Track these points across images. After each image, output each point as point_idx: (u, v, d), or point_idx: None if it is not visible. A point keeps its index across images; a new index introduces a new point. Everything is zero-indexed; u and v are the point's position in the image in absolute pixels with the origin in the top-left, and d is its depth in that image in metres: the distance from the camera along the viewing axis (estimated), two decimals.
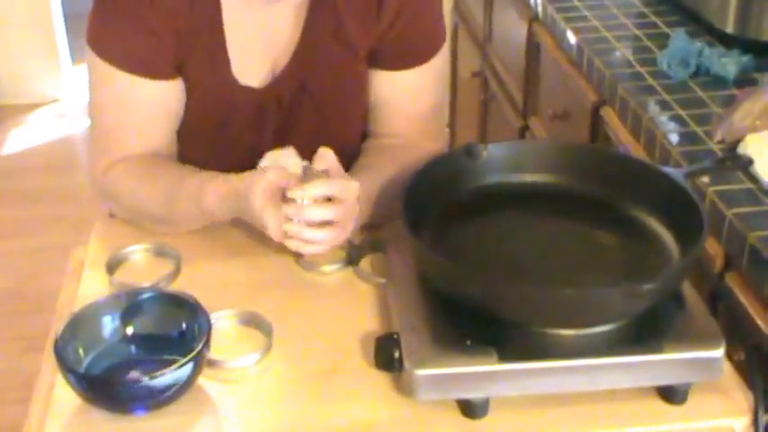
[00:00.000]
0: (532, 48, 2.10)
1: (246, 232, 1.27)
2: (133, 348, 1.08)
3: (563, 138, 1.90)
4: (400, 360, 1.00)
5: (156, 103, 1.32)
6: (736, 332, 1.13)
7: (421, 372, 0.99)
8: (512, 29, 2.26)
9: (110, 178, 1.33)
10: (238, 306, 1.15)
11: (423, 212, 1.14)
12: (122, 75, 1.29)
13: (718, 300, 1.21)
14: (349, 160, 1.40)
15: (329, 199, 1.16)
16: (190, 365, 0.99)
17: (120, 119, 1.33)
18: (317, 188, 1.14)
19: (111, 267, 1.23)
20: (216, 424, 1.02)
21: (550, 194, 1.22)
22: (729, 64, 1.58)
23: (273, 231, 1.15)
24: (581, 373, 1.01)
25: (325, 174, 1.16)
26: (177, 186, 1.26)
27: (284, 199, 1.15)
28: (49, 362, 1.08)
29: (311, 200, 1.14)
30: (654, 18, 1.86)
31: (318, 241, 1.16)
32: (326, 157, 1.18)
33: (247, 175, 1.18)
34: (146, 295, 1.10)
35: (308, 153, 1.41)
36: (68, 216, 3.12)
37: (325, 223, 1.15)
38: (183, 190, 1.25)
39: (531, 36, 2.10)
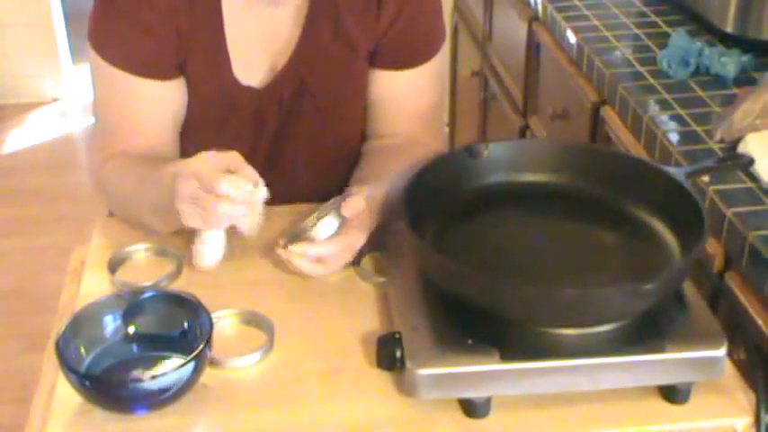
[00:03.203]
0: (532, 47, 2.10)
1: None
2: (135, 348, 1.08)
3: (563, 137, 1.90)
4: (402, 359, 1.00)
5: (158, 102, 1.32)
6: (736, 332, 1.13)
7: (423, 371, 0.99)
8: (512, 29, 2.26)
9: (105, 170, 1.34)
10: (239, 305, 1.15)
11: (423, 212, 1.14)
12: (123, 75, 1.29)
13: (718, 299, 1.21)
14: (349, 160, 1.40)
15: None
16: (191, 365, 0.99)
17: (122, 117, 1.33)
18: (323, 248, 1.17)
19: (113, 267, 1.23)
20: (217, 423, 1.02)
21: (551, 194, 1.22)
22: (729, 63, 1.58)
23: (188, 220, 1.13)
24: (583, 372, 1.00)
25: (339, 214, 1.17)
26: (154, 169, 1.23)
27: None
28: (50, 361, 1.08)
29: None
30: (654, 17, 1.86)
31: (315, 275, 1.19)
32: (354, 206, 1.17)
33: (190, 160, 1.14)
34: (147, 295, 1.10)
35: (308, 152, 1.41)
36: (68, 216, 3.12)
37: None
38: (156, 172, 1.20)
39: (531, 36, 2.10)
